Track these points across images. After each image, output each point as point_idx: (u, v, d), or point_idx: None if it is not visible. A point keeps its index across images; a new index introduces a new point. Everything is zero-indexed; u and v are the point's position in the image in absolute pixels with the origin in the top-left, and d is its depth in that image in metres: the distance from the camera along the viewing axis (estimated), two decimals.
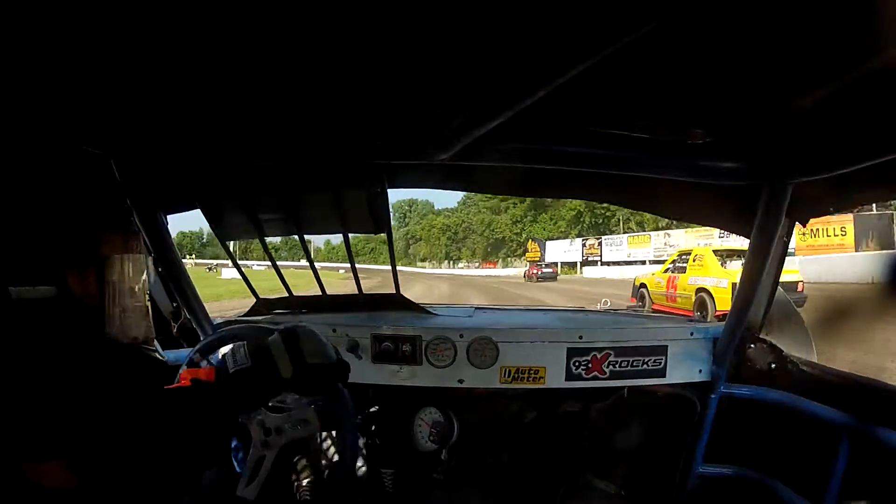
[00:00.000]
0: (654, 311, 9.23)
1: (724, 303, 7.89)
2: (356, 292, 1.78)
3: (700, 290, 8.68)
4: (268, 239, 1.62)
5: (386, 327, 1.46)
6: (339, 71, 0.81)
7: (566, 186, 1.49)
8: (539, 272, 25.92)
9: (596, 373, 1.44)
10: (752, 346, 1.45)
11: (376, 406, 1.52)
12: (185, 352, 1.10)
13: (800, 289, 8.45)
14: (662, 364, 1.45)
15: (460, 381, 1.43)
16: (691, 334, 1.49)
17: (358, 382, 1.43)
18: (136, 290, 0.56)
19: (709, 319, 8.03)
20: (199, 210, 1.43)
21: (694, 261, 9.19)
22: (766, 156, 1.11)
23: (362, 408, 1.51)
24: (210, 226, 1.48)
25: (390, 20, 0.66)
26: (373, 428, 1.51)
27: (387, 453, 1.52)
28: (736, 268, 8.47)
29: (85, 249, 0.52)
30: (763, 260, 1.31)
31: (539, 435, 1.59)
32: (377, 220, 1.48)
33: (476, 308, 2.05)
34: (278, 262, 1.81)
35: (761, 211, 1.23)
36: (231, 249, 1.67)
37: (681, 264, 9.52)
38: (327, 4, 0.62)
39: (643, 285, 10.69)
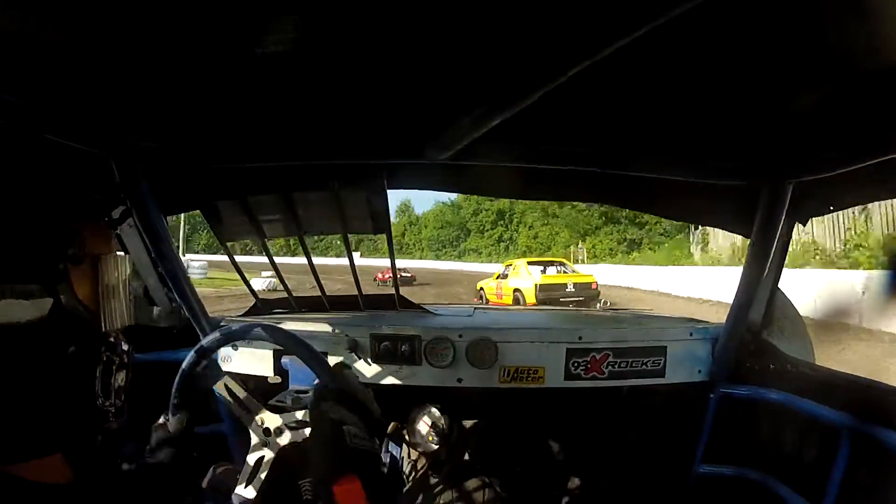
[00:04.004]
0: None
1: (530, 297, 11.70)
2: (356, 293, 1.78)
3: (516, 290, 12.29)
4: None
5: (385, 327, 1.46)
6: (339, 70, 0.81)
7: (566, 187, 1.49)
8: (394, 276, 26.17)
9: (595, 373, 1.43)
10: (752, 346, 1.45)
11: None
12: (185, 352, 1.09)
13: (593, 286, 12.16)
14: (662, 364, 1.45)
15: (459, 381, 1.43)
16: (691, 335, 1.48)
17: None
18: (120, 284, 0.56)
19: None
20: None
21: (513, 270, 13.15)
22: (766, 156, 1.11)
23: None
24: (210, 226, 1.48)
25: (390, 20, 0.66)
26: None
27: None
28: (547, 273, 12.74)
29: (70, 246, 0.52)
30: (763, 260, 1.31)
31: (539, 435, 1.59)
32: (377, 219, 1.48)
33: (476, 308, 2.05)
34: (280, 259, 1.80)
35: (761, 211, 1.23)
36: (230, 249, 1.66)
37: (505, 272, 13.45)
38: (327, 4, 0.62)
39: (482, 289, 14.44)
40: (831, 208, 1.29)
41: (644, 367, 1.45)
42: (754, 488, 1.34)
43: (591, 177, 1.28)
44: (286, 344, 1.01)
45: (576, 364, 1.43)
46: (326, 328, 1.46)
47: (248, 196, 1.40)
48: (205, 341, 1.05)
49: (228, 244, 1.57)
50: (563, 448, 1.60)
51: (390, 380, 1.44)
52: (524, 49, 0.72)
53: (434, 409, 1.52)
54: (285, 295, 1.78)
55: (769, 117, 0.95)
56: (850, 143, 0.92)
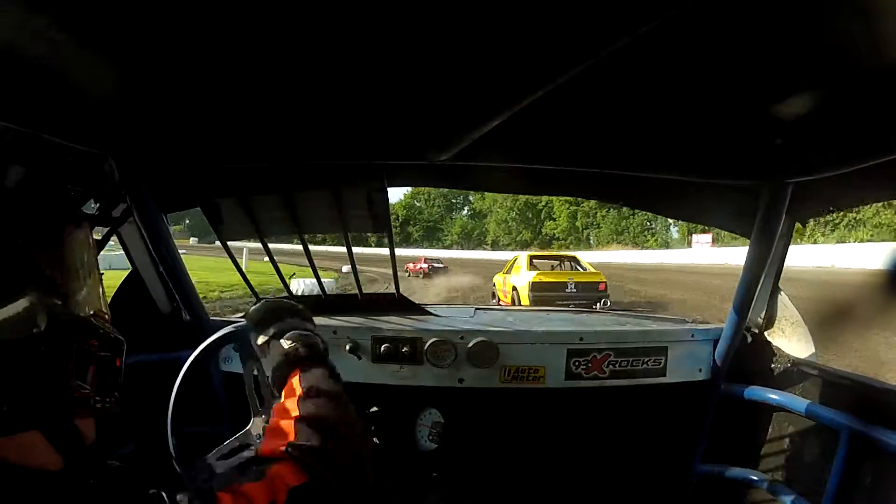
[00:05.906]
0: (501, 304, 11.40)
1: (525, 297, 10.29)
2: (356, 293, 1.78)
3: (514, 287, 10.92)
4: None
5: (386, 329, 1.46)
6: (340, 71, 0.81)
7: (566, 186, 1.49)
8: (429, 266, 23.21)
9: (596, 372, 1.44)
10: (752, 346, 1.45)
11: (376, 406, 1.52)
12: (185, 352, 1.10)
13: (601, 287, 10.61)
14: (662, 364, 1.45)
15: (460, 381, 1.43)
16: (692, 335, 1.49)
17: (358, 382, 1.43)
18: (90, 265, 0.56)
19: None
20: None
21: (515, 265, 11.58)
22: (766, 156, 1.11)
23: (363, 408, 1.51)
24: (210, 225, 1.48)
25: (390, 21, 0.66)
26: (373, 428, 1.51)
27: (387, 453, 1.52)
28: (541, 269, 11.16)
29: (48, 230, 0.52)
30: (763, 260, 1.31)
31: (539, 435, 1.59)
32: (377, 219, 1.48)
33: (476, 309, 2.05)
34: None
35: (761, 211, 1.23)
36: (231, 249, 1.66)
37: (510, 266, 11.93)
38: (328, 5, 0.62)
39: (494, 284, 12.99)
40: (831, 208, 1.29)
41: (645, 366, 1.45)
42: (754, 488, 1.34)
43: (590, 176, 1.28)
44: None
45: (577, 364, 1.43)
46: (327, 330, 1.46)
47: (248, 196, 1.40)
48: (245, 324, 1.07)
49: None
50: (564, 447, 1.60)
51: (391, 380, 1.44)
52: (524, 49, 0.72)
53: (434, 410, 1.52)
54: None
55: (769, 117, 0.95)
56: (850, 143, 0.92)
